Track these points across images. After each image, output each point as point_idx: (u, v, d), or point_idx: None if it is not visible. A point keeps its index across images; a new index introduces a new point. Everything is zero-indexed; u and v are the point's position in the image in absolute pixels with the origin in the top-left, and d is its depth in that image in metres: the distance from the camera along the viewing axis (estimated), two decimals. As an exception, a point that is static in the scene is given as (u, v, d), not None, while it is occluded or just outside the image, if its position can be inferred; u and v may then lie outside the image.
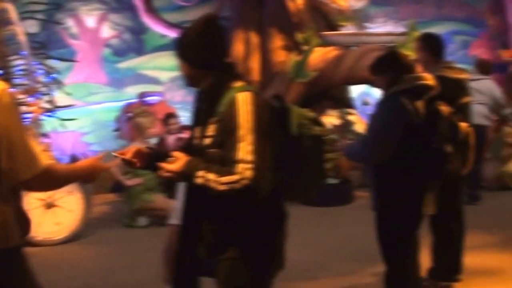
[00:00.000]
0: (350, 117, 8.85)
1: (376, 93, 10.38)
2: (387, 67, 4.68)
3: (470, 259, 6.40)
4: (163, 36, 11.68)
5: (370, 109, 9.35)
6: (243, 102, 3.13)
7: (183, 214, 3.38)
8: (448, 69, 5.38)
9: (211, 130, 3.19)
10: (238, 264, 3.28)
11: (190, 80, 3.34)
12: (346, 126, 8.94)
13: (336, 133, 8.91)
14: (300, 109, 3.42)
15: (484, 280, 5.98)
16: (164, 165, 3.14)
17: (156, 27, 11.20)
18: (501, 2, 12.69)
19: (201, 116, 3.33)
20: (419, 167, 4.50)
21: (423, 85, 4.51)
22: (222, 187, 3.03)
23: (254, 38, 10.54)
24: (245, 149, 3.04)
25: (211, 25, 3.26)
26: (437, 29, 12.25)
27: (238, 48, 10.60)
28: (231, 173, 3.03)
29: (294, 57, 9.74)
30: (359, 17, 9.90)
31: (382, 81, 4.70)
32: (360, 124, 8.71)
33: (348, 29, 9.93)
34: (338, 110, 8.99)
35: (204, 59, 3.24)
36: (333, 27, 10.37)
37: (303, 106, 9.44)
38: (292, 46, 10.20)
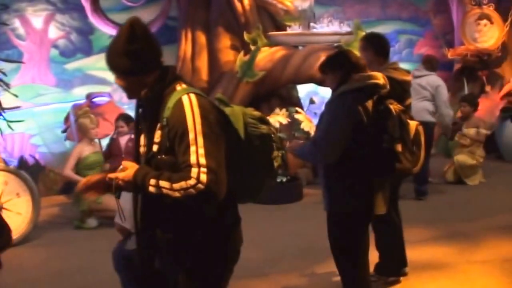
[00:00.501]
0: (298, 116, 8.93)
1: (323, 92, 10.54)
2: (338, 65, 4.65)
3: (417, 254, 6.57)
4: (111, 36, 11.59)
5: (317, 108, 9.50)
6: (189, 104, 3.04)
7: (137, 223, 3.32)
8: (393, 70, 5.42)
9: (157, 136, 3.10)
10: (194, 274, 3.25)
11: (131, 91, 3.21)
12: (293, 125, 9.03)
13: (284, 132, 9.01)
14: (245, 108, 3.36)
15: (431, 274, 6.12)
16: (113, 175, 3.08)
17: (104, 28, 11.11)
18: (445, 1, 12.91)
19: (145, 123, 3.23)
20: (369, 166, 4.52)
21: (373, 84, 4.51)
22: (176, 194, 2.93)
23: (202, 38, 10.56)
24: (197, 153, 2.94)
25: (136, 28, 3.11)
26: (382, 29, 12.44)
27: (185, 48, 10.62)
28: (185, 178, 2.93)
29: (241, 57, 9.79)
30: (305, 17, 9.98)
31: (332, 80, 4.68)
32: (307, 123, 8.80)
33: (295, 29, 10.01)
34: (285, 109, 9.06)
35: (138, 64, 3.11)
36: (280, 27, 10.46)
37: (251, 105, 9.52)
38: (240, 46, 10.25)
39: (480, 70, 12.13)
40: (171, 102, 3.07)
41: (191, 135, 2.97)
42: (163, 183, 2.96)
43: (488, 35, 12.11)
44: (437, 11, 13.13)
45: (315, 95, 10.75)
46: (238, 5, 10.16)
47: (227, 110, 3.25)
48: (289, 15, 10.16)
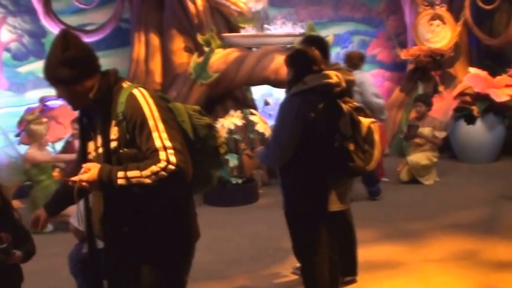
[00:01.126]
0: (252, 118, 8.92)
1: (278, 94, 10.54)
2: (293, 63, 4.72)
3: (373, 253, 6.64)
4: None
5: (271, 109, 9.50)
6: (142, 96, 3.16)
7: (89, 226, 3.38)
8: (337, 71, 5.46)
9: (114, 132, 3.15)
10: (159, 269, 3.32)
11: (75, 100, 3.27)
12: (248, 126, 9.01)
13: (239, 134, 9.00)
14: (183, 104, 3.45)
15: (387, 272, 6.18)
16: (77, 177, 3.09)
17: (56, 30, 11.00)
18: (397, 2, 13.01)
19: (98, 125, 3.27)
20: (322, 165, 4.56)
21: (326, 83, 4.52)
22: (147, 180, 3.01)
23: (155, 40, 10.51)
24: (160, 137, 3.04)
25: (69, 37, 3.21)
26: (335, 30, 12.55)
27: (138, 50, 10.56)
28: (154, 163, 3.01)
29: (195, 59, 9.75)
30: (259, 18, 9.98)
31: (288, 75, 4.75)
32: (262, 124, 8.80)
33: (248, 30, 10.00)
34: (240, 111, 9.04)
35: (78, 70, 3.18)
36: (234, 28, 10.45)
37: (206, 107, 9.48)
38: (193, 48, 10.21)
39: (433, 70, 12.25)
40: (122, 97, 3.17)
41: (151, 122, 3.08)
42: (132, 173, 3.02)
43: (440, 36, 12.23)
44: (390, 12, 13.24)
45: (269, 97, 10.75)
46: (191, 7, 10.12)
47: (170, 104, 3.35)
48: (242, 17, 10.15)
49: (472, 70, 11.56)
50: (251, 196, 9.14)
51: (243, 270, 6.36)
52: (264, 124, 8.79)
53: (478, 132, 11.22)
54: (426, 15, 12.15)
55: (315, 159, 4.55)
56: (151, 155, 3.03)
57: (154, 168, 2.99)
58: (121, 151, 3.13)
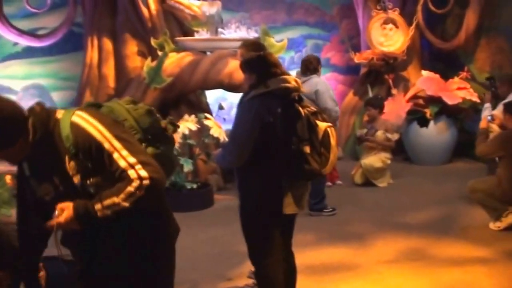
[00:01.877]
0: (207, 122, 8.87)
1: (232, 98, 10.53)
2: (254, 68, 4.71)
3: (329, 255, 6.72)
4: (15, 44, 11.36)
5: (226, 113, 9.48)
6: (84, 120, 3.00)
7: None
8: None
9: (72, 168, 2.98)
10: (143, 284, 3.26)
11: (13, 158, 3.05)
12: (203, 131, 8.97)
13: (193, 138, 8.96)
14: (116, 101, 3.37)
15: (344, 274, 6.22)
16: (53, 222, 2.94)
17: (8, 35, 10.86)
18: (351, 6, 13.09)
19: (42, 169, 3.07)
20: (278, 168, 4.57)
21: (284, 87, 4.56)
22: (126, 204, 2.90)
23: (108, 44, 10.42)
24: (122, 156, 2.93)
25: None
26: (289, 34, 12.61)
27: (91, 54, 10.46)
28: (127, 184, 2.90)
29: (148, 63, 9.69)
30: (213, 22, 9.94)
31: (247, 80, 4.75)
32: (216, 129, 8.76)
33: (202, 34, 9.96)
34: (194, 115, 8.99)
35: (6, 136, 2.88)
36: (188, 32, 10.40)
37: (160, 112, 9.43)
38: (147, 52, 10.16)
39: (386, 74, 12.34)
40: (65, 130, 2.99)
41: (106, 145, 2.96)
42: (108, 201, 2.91)
43: (393, 39, 12.33)
44: (343, 16, 13.32)
45: (223, 101, 10.75)
46: (144, 11, 10.07)
47: (105, 108, 3.25)
48: (196, 21, 10.11)
49: (425, 73, 11.69)
50: (206, 201, 9.08)
51: (200, 275, 6.32)
52: (219, 128, 8.75)
53: (431, 135, 11.35)
54: (379, 19, 12.25)
55: (271, 161, 4.57)
56: (121, 176, 2.93)
57: (128, 189, 2.89)
58: (88, 182, 2.99)
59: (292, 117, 4.56)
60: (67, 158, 2.99)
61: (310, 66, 8.43)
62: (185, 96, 10.17)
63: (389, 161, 10.13)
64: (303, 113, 4.60)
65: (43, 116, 3.01)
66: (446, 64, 12.60)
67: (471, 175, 9.01)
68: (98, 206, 2.90)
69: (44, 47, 11.30)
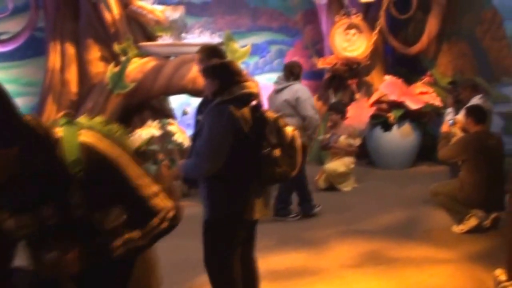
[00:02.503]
0: (171, 128, 8.84)
1: (196, 103, 10.50)
2: (218, 74, 4.69)
3: (293, 260, 6.68)
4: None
5: (189, 119, 9.44)
6: (97, 139, 2.57)
7: None
8: None
9: (76, 197, 2.52)
10: None
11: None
12: (166, 136, 8.93)
13: (157, 144, 8.91)
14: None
15: (308, 280, 6.20)
16: (53, 266, 2.49)
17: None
18: (314, 12, 13.13)
19: (28, 198, 2.53)
20: (250, 172, 4.58)
21: (248, 93, 4.59)
22: (146, 240, 2.63)
23: (70, 49, 10.32)
24: (144, 184, 2.60)
25: None
26: (253, 39, 12.59)
27: (54, 60, 10.35)
28: (152, 215, 2.59)
29: (111, 68, 9.62)
30: (176, 27, 9.91)
31: (210, 86, 4.70)
32: (180, 134, 8.73)
33: (166, 39, 9.93)
34: (158, 121, 8.95)
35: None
36: (151, 37, 10.36)
37: (123, 117, 9.30)
38: (110, 57, 10.08)
39: (349, 79, 12.39)
40: (71, 154, 2.50)
41: (126, 172, 2.58)
42: (126, 237, 2.55)
43: (356, 44, 12.38)
44: (307, 21, 13.35)
45: (187, 106, 10.70)
46: (107, 16, 9.99)
47: (85, 135, 2.64)
48: (160, 26, 10.07)
49: (388, 78, 11.77)
50: (170, 207, 9.01)
51: (164, 284, 6.26)
52: (183, 134, 8.73)
53: (394, 139, 11.42)
54: (342, 25, 12.30)
55: (242, 167, 4.56)
56: (143, 207, 2.58)
57: (155, 221, 2.61)
58: (95, 215, 2.57)
59: (259, 122, 4.58)
60: (72, 185, 2.53)
61: (294, 71, 8.37)
62: (148, 102, 10.12)
63: (352, 166, 10.17)
64: (269, 118, 4.64)
65: (42, 133, 2.48)
66: (409, 69, 12.70)
67: (434, 178, 9.08)
68: (117, 243, 2.54)
69: (5, 52, 11.16)
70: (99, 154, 2.53)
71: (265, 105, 12.29)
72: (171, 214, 2.67)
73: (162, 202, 2.63)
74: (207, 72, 4.79)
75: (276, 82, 8.43)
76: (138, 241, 2.59)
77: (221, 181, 4.59)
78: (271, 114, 4.71)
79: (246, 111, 4.55)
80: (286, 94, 8.16)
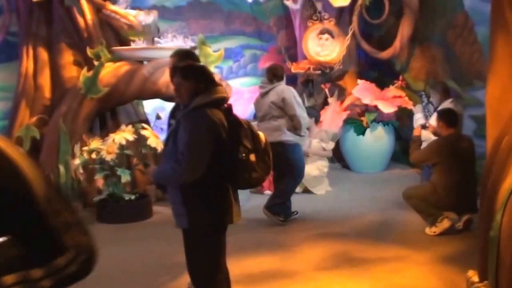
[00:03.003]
0: (144, 132, 8.81)
1: (170, 107, 10.48)
2: (195, 76, 4.64)
3: (267, 262, 6.70)
4: None
5: (163, 123, 9.42)
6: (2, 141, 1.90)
7: None
8: None
9: None
10: None
11: None
12: (140, 141, 8.90)
13: (131, 149, 8.88)
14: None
15: (282, 282, 6.23)
16: None
17: None
18: (288, 17, 13.17)
19: None
20: (228, 178, 4.57)
21: (222, 97, 4.60)
22: (56, 280, 1.77)
23: (44, 54, 10.24)
24: (53, 207, 1.83)
25: None
26: (227, 44, 12.59)
27: (27, 64, 10.25)
28: (55, 252, 1.78)
29: (85, 73, 9.56)
30: (149, 32, 9.89)
31: (186, 90, 4.60)
32: (154, 139, 8.70)
33: (139, 44, 9.90)
34: (132, 125, 8.92)
35: None
36: (124, 42, 10.32)
37: (97, 122, 9.18)
38: (83, 62, 10.02)
39: (323, 83, 12.44)
40: None
41: (30, 189, 1.86)
42: (30, 274, 1.77)
43: (329, 49, 12.44)
44: (280, 26, 13.38)
45: (161, 111, 10.67)
46: (80, 20, 9.94)
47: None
48: (133, 30, 10.03)
49: (361, 82, 11.84)
50: (145, 212, 9.00)
51: None
52: (156, 138, 8.70)
53: (368, 143, 11.50)
54: (315, 29, 12.35)
55: (221, 172, 4.53)
56: (48, 240, 1.87)
57: (59, 262, 1.84)
58: None
59: (235, 126, 4.57)
60: None
61: (277, 73, 8.39)
62: (122, 106, 10.08)
63: (326, 169, 10.22)
64: (244, 122, 4.64)
65: None
66: (382, 73, 12.78)
67: (407, 181, 9.15)
68: (9, 280, 1.77)
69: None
70: (7, 169, 1.85)
71: (247, 110, 12.33)
72: (83, 256, 1.94)
73: (74, 238, 1.92)
74: (184, 73, 4.69)
75: (261, 86, 8.48)
76: (41, 282, 1.82)
77: (200, 187, 4.52)
78: (243, 119, 4.70)
79: (221, 115, 4.53)
80: (272, 96, 8.21)
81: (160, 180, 4.89)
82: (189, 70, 4.75)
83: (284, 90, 8.27)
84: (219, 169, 4.51)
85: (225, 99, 4.64)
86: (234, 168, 4.55)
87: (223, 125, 4.49)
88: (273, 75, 8.35)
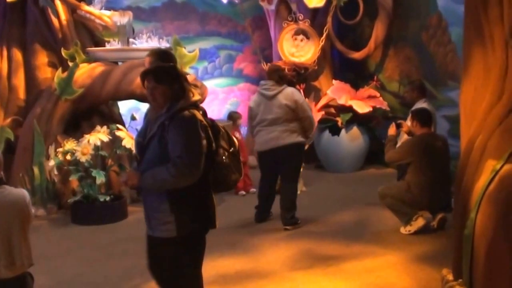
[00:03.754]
0: (119, 133, 8.78)
1: (145, 108, 10.44)
2: (173, 78, 4.43)
3: (242, 262, 6.67)
4: None
5: (138, 124, 9.38)
6: None
7: None
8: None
9: None
10: None
11: None
12: (115, 142, 8.87)
13: (105, 150, 8.84)
14: None
15: (257, 283, 6.24)
16: None
17: None
18: (263, 17, 13.16)
19: None
20: (212, 182, 4.52)
21: (200, 99, 4.51)
22: None
23: (18, 55, 10.16)
24: None
25: None
26: (202, 44, 12.59)
27: (1, 65, 10.16)
28: None
29: (59, 74, 9.51)
30: (124, 32, 9.85)
31: (163, 92, 4.36)
32: (129, 140, 8.67)
33: (114, 44, 9.86)
34: (106, 126, 8.88)
35: None
36: (99, 42, 10.28)
37: (71, 123, 9.19)
38: (57, 63, 9.97)
39: (297, 84, 12.44)
40: None
41: None
42: None
43: (304, 50, 12.45)
44: (255, 27, 13.37)
45: (136, 111, 10.64)
46: (55, 21, 9.88)
47: None
48: (107, 31, 10.00)
49: (336, 82, 11.89)
50: (120, 213, 8.95)
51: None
52: (131, 139, 8.66)
53: (343, 143, 11.53)
54: (290, 30, 12.36)
55: (205, 175, 4.38)
56: None
57: None
58: None
59: (215, 128, 4.51)
60: None
61: (283, 75, 8.36)
62: (97, 107, 10.04)
63: (301, 169, 10.22)
64: (220, 125, 4.60)
65: None
66: (357, 74, 12.83)
67: (382, 181, 9.18)
68: None
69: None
70: None
71: (222, 111, 12.31)
72: None
73: None
74: (157, 76, 4.41)
75: (267, 88, 8.23)
76: None
77: (189, 192, 4.33)
78: (216, 121, 4.63)
79: (201, 117, 4.41)
80: (283, 99, 8.07)
81: (152, 186, 4.37)
82: (161, 72, 4.47)
83: (294, 92, 8.24)
84: (205, 173, 4.37)
85: (200, 101, 4.57)
86: (217, 171, 4.50)
87: (205, 127, 4.39)
88: (280, 77, 8.26)
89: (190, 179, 4.27)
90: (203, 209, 4.48)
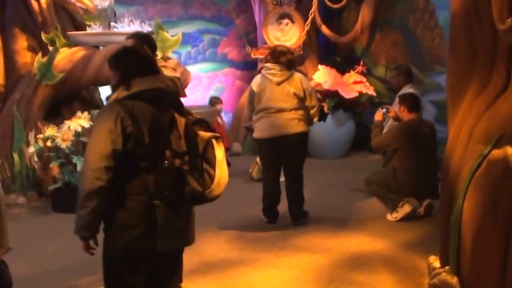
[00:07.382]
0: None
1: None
2: (118, 64, 3.93)
3: (224, 251, 6.61)
4: None
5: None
6: None
7: None
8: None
9: None
10: None
11: None
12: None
13: (87, 136, 8.70)
14: None
15: (241, 270, 6.17)
16: None
17: None
18: (247, 1, 13.04)
19: None
20: (149, 191, 3.84)
21: (155, 88, 3.87)
22: None
23: (-4, 39, 10.01)
24: None
25: None
26: (185, 28, 12.48)
27: (-21, 51, 10.01)
28: None
29: (39, 59, 9.36)
30: (106, 16, 9.70)
31: (112, 78, 3.96)
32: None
33: (95, 28, 9.71)
34: (87, 112, 8.74)
35: None
36: (80, 26, 10.12)
37: (52, 109, 9.05)
38: (37, 47, 9.82)
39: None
40: None
41: None
42: None
43: (290, 34, 12.35)
44: (240, 10, 13.25)
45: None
46: (34, 4, 9.70)
47: None
48: (88, 14, 9.85)
49: (321, 67, 11.77)
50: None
51: (92, 280, 6.10)
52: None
53: (329, 129, 11.41)
54: (275, 14, 12.24)
55: (144, 181, 3.81)
56: None
57: None
58: None
59: (164, 127, 3.89)
60: None
61: (293, 60, 7.83)
62: (77, 92, 9.92)
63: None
64: (180, 121, 3.98)
65: None
66: (343, 58, 12.75)
67: (369, 167, 9.13)
68: None
69: None
70: None
71: (206, 96, 12.19)
72: None
73: None
74: (110, 62, 4.01)
75: (274, 74, 7.56)
76: None
77: (115, 203, 3.86)
78: (186, 117, 4.07)
79: (149, 111, 3.85)
80: (292, 87, 7.51)
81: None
82: (115, 58, 3.97)
83: (303, 79, 7.69)
84: (142, 177, 3.81)
85: (160, 92, 3.88)
86: (158, 177, 3.82)
87: (140, 123, 3.76)
88: (290, 61, 7.64)
89: (87, 182, 3.66)
90: (140, 224, 3.84)
